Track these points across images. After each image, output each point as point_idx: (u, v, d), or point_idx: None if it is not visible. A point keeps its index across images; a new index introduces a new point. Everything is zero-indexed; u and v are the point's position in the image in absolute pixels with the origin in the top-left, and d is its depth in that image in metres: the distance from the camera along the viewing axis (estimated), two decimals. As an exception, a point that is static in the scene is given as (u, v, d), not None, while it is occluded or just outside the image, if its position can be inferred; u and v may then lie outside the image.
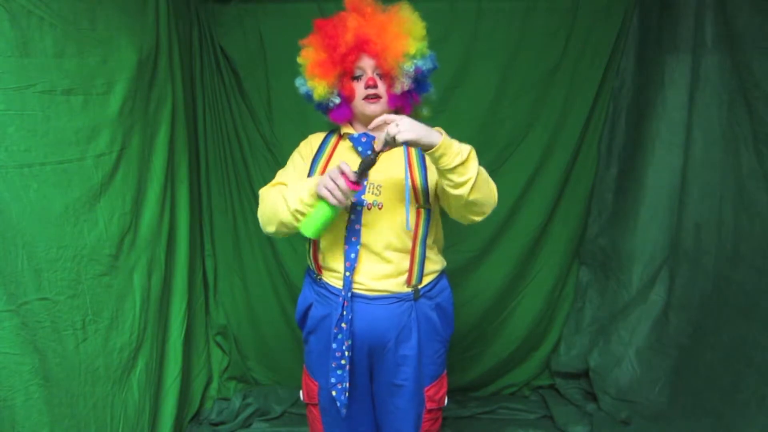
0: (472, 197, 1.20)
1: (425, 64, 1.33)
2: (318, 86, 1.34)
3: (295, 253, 2.39)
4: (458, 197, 1.21)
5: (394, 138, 1.13)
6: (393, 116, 1.19)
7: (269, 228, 1.36)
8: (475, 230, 2.27)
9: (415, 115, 1.44)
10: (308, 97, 1.41)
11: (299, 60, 1.37)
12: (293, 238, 2.37)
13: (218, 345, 2.55)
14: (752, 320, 1.85)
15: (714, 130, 2.02)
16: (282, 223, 1.31)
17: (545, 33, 2.16)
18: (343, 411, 1.41)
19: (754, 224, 1.86)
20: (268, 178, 2.34)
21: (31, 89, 1.33)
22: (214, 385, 2.50)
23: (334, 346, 1.36)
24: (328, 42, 1.31)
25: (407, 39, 1.29)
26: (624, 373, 2.33)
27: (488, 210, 1.29)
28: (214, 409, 2.41)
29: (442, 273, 1.50)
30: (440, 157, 1.15)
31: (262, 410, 2.42)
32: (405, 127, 1.13)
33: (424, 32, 1.32)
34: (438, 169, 1.19)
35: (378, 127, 1.24)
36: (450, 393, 1.66)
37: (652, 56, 2.19)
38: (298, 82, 1.41)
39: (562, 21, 2.15)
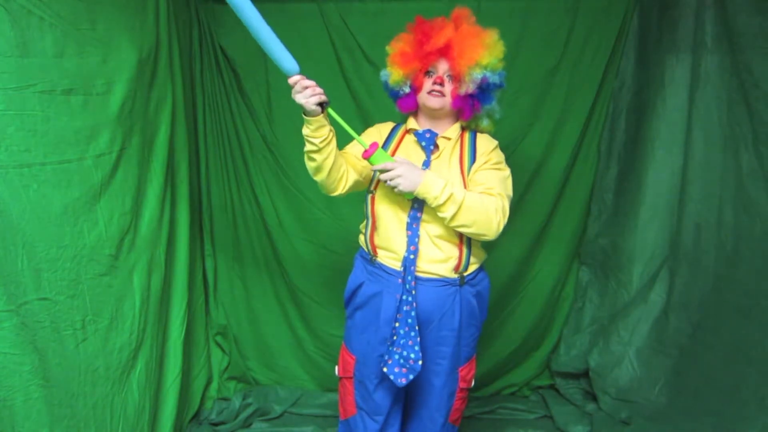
0: (452, 225, 1.41)
1: (493, 78, 1.47)
2: (394, 73, 1.52)
3: (295, 253, 2.39)
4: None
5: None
6: (393, 169, 1.37)
7: (323, 191, 1.53)
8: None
9: (475, 124, 1.59)
10: (385, 84, 1.59)
11: (387, 48, 1.55)
12: (293, 237, 2.39)
13: (218, 345, 2.55)
14: (752, 320, 1.85)
15: (714, 130, 2.02)
16: (322, 178, 1.47)
17: (545, 33, 2.16)
18: (402, 382, 1.49)
19: (754, 224, 1.86)
20: (268, 177, 2.36)
21: (31, 89, 1.32)
22: (214, 385, 2.49)
23: (397, 325, 1.48)
24: (418, 39, 1.48)
25: (483, 51, 1.44)
26: (624, 373, 2.33)
27: (482, 237, 1.44)
28: (214, 409, 2.41)
29: (483, 264, 1.64)
30: (423, 198, 1.39)
31: (262, 410, 2.42)
32: (399, 181, 1.35)
33: (501, 55, 1.48)
34: None
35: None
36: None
37: (652, 56, 2.18)
38: (382, 73, 1.59)
39: (562, 21, 2.15)
